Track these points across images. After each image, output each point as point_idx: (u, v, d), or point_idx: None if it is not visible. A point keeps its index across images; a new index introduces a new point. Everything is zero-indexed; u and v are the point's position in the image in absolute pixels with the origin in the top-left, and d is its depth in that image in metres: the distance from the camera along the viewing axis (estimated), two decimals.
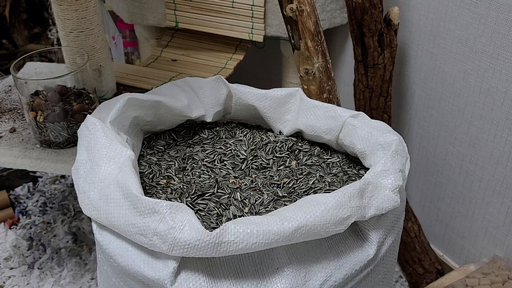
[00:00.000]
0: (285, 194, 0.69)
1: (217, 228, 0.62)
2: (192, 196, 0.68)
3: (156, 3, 1.25)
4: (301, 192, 0.69)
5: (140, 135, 0.80)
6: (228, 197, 0.68)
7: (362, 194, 0.61)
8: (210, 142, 0.81)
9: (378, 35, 1.06)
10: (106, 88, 1.06)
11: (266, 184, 0.71)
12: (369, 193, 0.62)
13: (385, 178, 0.65)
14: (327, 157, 0.78)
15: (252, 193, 0.68)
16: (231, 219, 0.64)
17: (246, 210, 0.66)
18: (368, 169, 0.73)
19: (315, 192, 0.69)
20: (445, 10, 1.05)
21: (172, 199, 0.68)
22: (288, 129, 0.82)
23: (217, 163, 0.76)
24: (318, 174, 0.73)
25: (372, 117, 1.00)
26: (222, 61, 1.26)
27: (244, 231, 0.54)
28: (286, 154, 0.78)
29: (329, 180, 0.72)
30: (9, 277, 1.26)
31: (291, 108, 0.82)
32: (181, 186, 0.70)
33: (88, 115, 0.73)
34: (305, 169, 0.74)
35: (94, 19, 0.97)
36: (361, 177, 0.73)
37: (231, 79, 0.99)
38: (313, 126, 0.78)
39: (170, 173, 0.73)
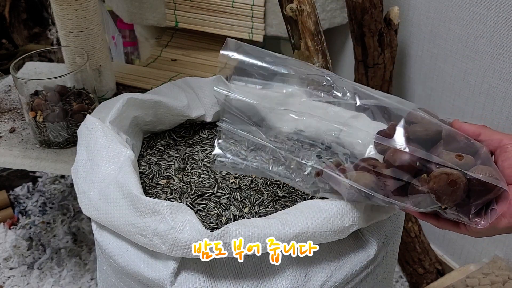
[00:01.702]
0: (285, 194, 0.69)
1: (217, 228, 0.62)
2: (192, 196, 0.67)
3: (156, 3, 1.24)
4: (301, 191, 0.69)
5: (140, 135, 0.80)
6: (228, 197, 0.68)
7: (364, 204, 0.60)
8: (210, 142, 0.81)
9: (378, 35, 1.06)
10: (106, 88, 1.05)
11: (266, 184, 0.70)
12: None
13: None
14: (327, 157, 0.78)
15: (252, 193, 0.68)
16: (231, 219, 0.64)
17: (246, 210, 0.66)
18: None
19: (315, 192, 0.69)
20: (446, 10, 1.05)
21: (172, 199, 0.67)
22: (288, 129, 0.82)
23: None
24: None
25: None
26: None
27: (246, 234, 0.54)
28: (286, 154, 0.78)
29: None
30: (9, 277, 1.26)
31: (291, 108, 0.82)
32: (181, 186, 0.70)
33: (88, 115, 0.73)
34: (305, 169, 0.74)
35: (93, 19, 0.96)
36: None
37: None
38: (313, 126, 0.78)
39: (170, 173, 0.73)
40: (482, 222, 0.51)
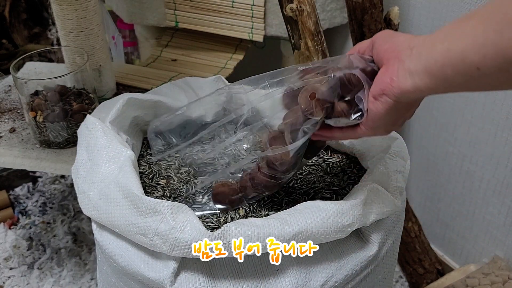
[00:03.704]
0: (283, 193, 0.69)
1: (216, 228, 0.62)
2: (192, 196, 0.67)
3: (156, 3, 1.24)
4: (301, 191, 0.69)
5: (140, 135, 0.80)
6: None
7: (364, 201, 0.60)
8: (210, 142, 0.81)
9: None
10: (106, 88, 1.06)
11: None
12: (370, 199, 0.61)
13: (385, 181, 0.65)
14: (327, 157, 0.78)
15: None
16: (229, 220, 0.64)
17: (245, 211, 0.66)
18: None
19: (315, 192, 0.69)
20: (445, 10, 1.05)
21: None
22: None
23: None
24: (318, 174, 0.73)
25: None
26: (222, 61, 1.26)
27: (245, 233, 0.54)
28: None
29: (329, 180, 0.72)
30: (9, 277, 1.26)
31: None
32: (181, 186, 0.70)
33: (88, 115, 0.73)
34: (305, 169, 0.74)
35: (94, 19, 0.96)
36: (360, 176, 0.72)
37: (231, 79, 0.99)
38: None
39: (170, 173, 0.73)
40: (364, 113, 0.53)
